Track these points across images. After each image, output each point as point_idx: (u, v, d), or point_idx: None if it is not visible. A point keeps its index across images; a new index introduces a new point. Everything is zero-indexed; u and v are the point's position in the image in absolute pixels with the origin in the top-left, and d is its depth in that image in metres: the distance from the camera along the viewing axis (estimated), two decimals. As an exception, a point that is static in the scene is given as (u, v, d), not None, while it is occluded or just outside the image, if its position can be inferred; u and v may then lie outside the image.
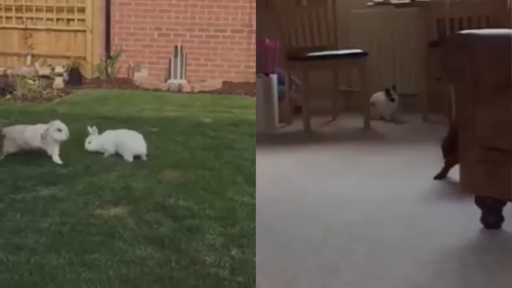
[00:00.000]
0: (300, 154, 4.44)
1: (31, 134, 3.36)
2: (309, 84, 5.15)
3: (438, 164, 3.64)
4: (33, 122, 3.56)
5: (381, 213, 3.09)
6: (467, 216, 2.88)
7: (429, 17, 5.39)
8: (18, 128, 3.45)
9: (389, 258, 2.56)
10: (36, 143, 3.34)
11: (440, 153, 3.64)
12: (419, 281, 2.35)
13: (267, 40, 5.33)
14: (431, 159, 3.81)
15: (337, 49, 5.40)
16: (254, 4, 5.88)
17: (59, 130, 3.32)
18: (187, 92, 5.81)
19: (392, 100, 5.39)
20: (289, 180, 3.81)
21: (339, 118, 5.54)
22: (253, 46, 5.96)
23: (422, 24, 5.44)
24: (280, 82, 5.43)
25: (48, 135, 3.31)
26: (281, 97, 5.41)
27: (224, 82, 6.17)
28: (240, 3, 6.23)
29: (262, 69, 5.30)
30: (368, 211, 3.12)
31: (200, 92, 5.83)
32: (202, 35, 6.31)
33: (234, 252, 2.28)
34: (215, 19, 6.28)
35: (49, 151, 3.33)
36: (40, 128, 3.37)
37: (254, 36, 5.93)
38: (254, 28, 5.91)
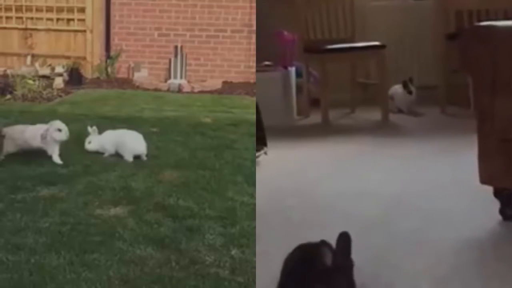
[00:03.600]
0: (318, 147, 4.47)
1: (31, 134, 3.36)
2: (327, 77, 5.16)
3: (455, 157, 3.67)
4: (33, 122, 3.56)
5: (400, 205, 3.12)
6: (485, 208, 2.89)
7: (446, 10, 5.40)
8: (18, 128, 3.45)
9: (408, 250, 2.58)
10: (36, 143, 3.34)
11: (458, 144, 3.63)
12: (439, 273, 2.36)
13: (285, 33, 5.33)
14: (449, 151, 3.83)
15: (354, 41, 5.41)
16: (254, 4, 5.88)
17: (59, 130, 3.32)
18: (187, 92, 5.81)
19: (410, 92, 5.42)
20: (307, 172, 3.84)
21: (357, 111, 5.56)
22: (253, 46, 5.97)
23: (440, 17, 5.45)
24: (298, 74, 5.43)
25: (48, 135, 3.31)
26: (299, 89, 5.42)
27: (224, 82, 6.17)
28: (240, 3, 6.23)
29: (280, 62, 5.31)
30: (387, 203, 3.14)
31: (200, 92, 5.83)
32: (202, 35, 6.31)
33: (234, 252, 2.28)
34: (215, 19, 6.28)
35: (49, 151, 3.33)
36: (40, 128, 3.37)
37: (254, 36, 5.93)
38: (254, 28, 5.91)
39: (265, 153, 4.16)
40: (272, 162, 4.05)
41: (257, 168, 3.94)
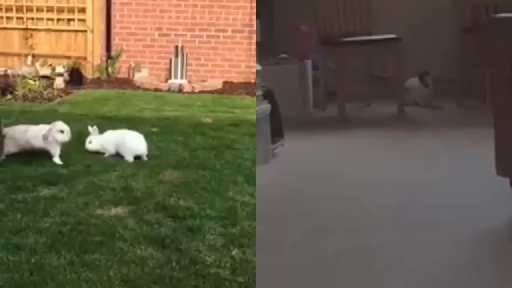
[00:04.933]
0: (334, 139, 4.52)
1: (33, 134, 3.36)
2: (343, 70, 5.19)
3: (472, 149, 3.72)
4: (34, 122, 3.56)
5: (417, 197, 3.16)
6: (503, 200, 2.92)
7: (463, 2, 5.40)
8: (20, 128, 3.45)
9: (427, 241, 2.61)
10: (38, 143, 3.34)
11: (475, 137, 3.69)
12: (456, 262, 2.39)
13: (302, 26, 5.34)
14: (466, 144, 3.87)
15: (370, 34, 5.43)
16: (255, 4, 5.88)
17: (61, 131, 3.32)
18: (188, 92, 5.81)
19: (426, 85, 5.44)
20: (324, 164, 3.89)
21: (373, 104, 5.58)
22: (254, 46, 5.96)
23: (457, 9, 5.46)
24: (315, 67, 5.45)
25: (50, 135, 3.31)
26: (315, 82, 5.44)
27: (225, 82, 6.17)
28: (240, 3, 6.23)
29: (298, 55, 5.32)
30: (403, 195, 3.18)
31: (201, 92, 5.83)
32: (202, 35, 6.31)
33: (234, 252, 2.28)
34: (216, 19, 6.28)
35: (52, 152, 3.32)
36: (42, 128, 3.36)
37: (255, 36, 5.92)
38: (255, 28, 5.91)
39: (282, 144, 4.22)
40: (288, 154, 4.09)
41: (274, 159, 3.99)
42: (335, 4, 5.49)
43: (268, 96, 4.18)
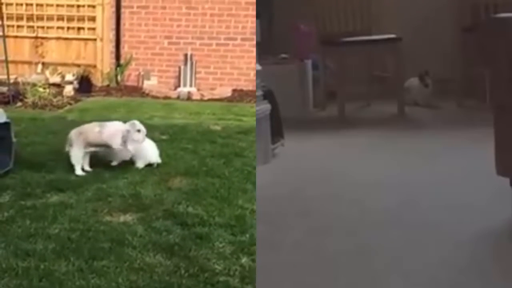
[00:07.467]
0: (334, 139, 4.52)
1: (110, 133, 3.27)
2: (343, 70, 5.19)
3: (472, 149, 3.71)
4: (43, 129, 3.56)
5: (417, 197, 3.15)
6: (503, 200, 2.90)
7: (463, 2, 5.40)
8: (92, 127, 3.34)
9: (426, 240, 2.60)
10: (116, 144, 3.27)
11: (475, 137, 3.74)
12: (456, 262, 2.38)
13: (302, 26, 5.34)
14: (466, 144, 3.86)
15: (371, 34, 5.43)
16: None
17: (138, 130, 3.28)
18: (197, 100, 5.81)
19: (426, 85, 5.44)
20: (324, 164, 3.89)
21: (373, 104, 5.57)
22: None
23: (457, 9, 5.46)
24: (315, 67, 5.45)
25: (129, 137, 3.25)
26: (315, 82, 5.44)
27: (234, 90, 6.18)
28: (249, 11, 6.24)
29: (298, 55, 5.33)
30: (404, 195, 3.18)
31: (210, 100, 5.83)
32: (211, 43, 6.33)
33: (243, 260, 2.27)
34: (225, 27, 6.29)
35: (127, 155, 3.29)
36: (118, 128, 3.27)
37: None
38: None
39: (282, 144, 4.22)
40: (288, 154, 4.09)
41: (274, 159, 3.98)
42: (335, 4, 5.49)
43: (268, 96, 4.18)
